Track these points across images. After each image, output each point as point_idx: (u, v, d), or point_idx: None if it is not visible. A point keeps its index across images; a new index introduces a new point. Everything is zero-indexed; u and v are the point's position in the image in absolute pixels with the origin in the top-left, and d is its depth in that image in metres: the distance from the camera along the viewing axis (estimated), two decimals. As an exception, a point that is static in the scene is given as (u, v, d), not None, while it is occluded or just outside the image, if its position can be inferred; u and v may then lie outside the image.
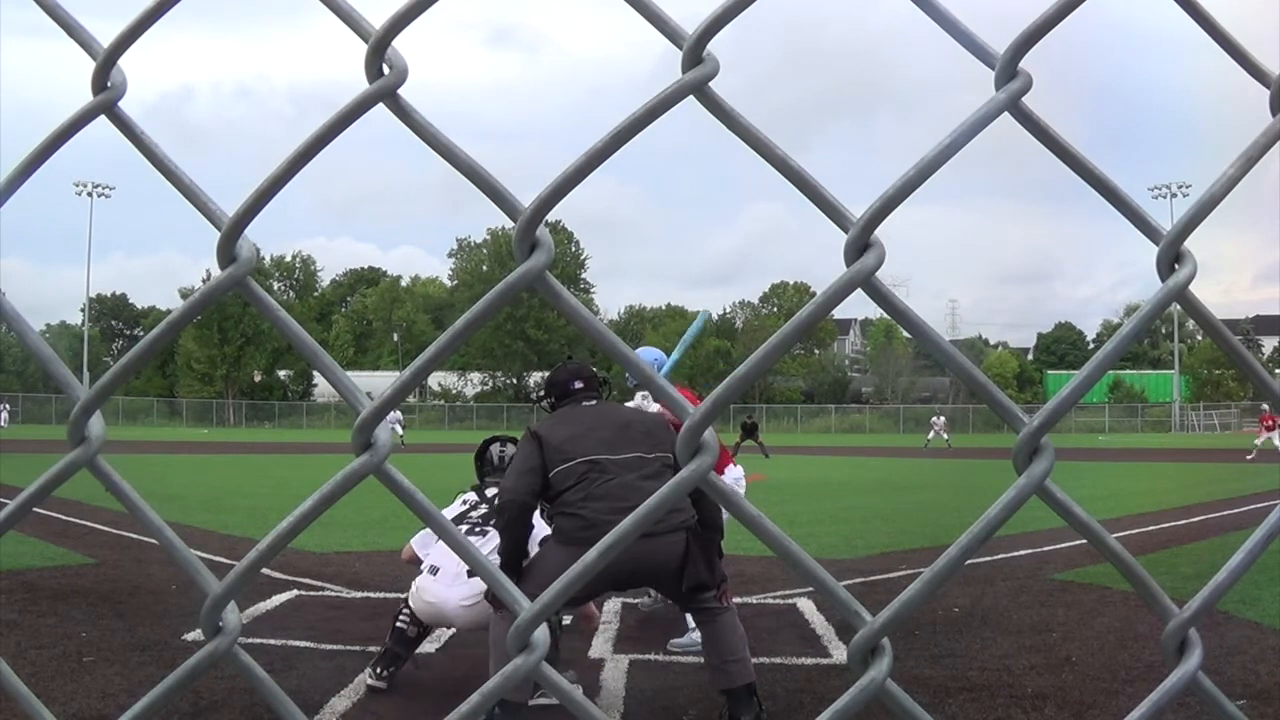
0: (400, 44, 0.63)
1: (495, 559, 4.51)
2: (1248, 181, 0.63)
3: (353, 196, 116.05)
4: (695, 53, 0.60)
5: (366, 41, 0.63)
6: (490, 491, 4.81)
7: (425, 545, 4.75)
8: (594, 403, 4.38)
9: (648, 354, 5.98)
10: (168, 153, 0.70)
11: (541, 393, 4.60)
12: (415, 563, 4.72)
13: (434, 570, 4.52)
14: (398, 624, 4.54)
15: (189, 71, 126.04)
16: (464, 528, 4.70)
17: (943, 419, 40.73)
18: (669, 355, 5.90)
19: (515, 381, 71.87)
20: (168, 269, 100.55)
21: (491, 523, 4.59)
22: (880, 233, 0.61)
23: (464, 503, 4.88)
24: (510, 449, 5.08)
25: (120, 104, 0.71)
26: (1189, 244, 0.63)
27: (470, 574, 4.48)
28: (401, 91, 0.63)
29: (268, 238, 73.57)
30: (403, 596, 4.67)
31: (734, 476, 5.76)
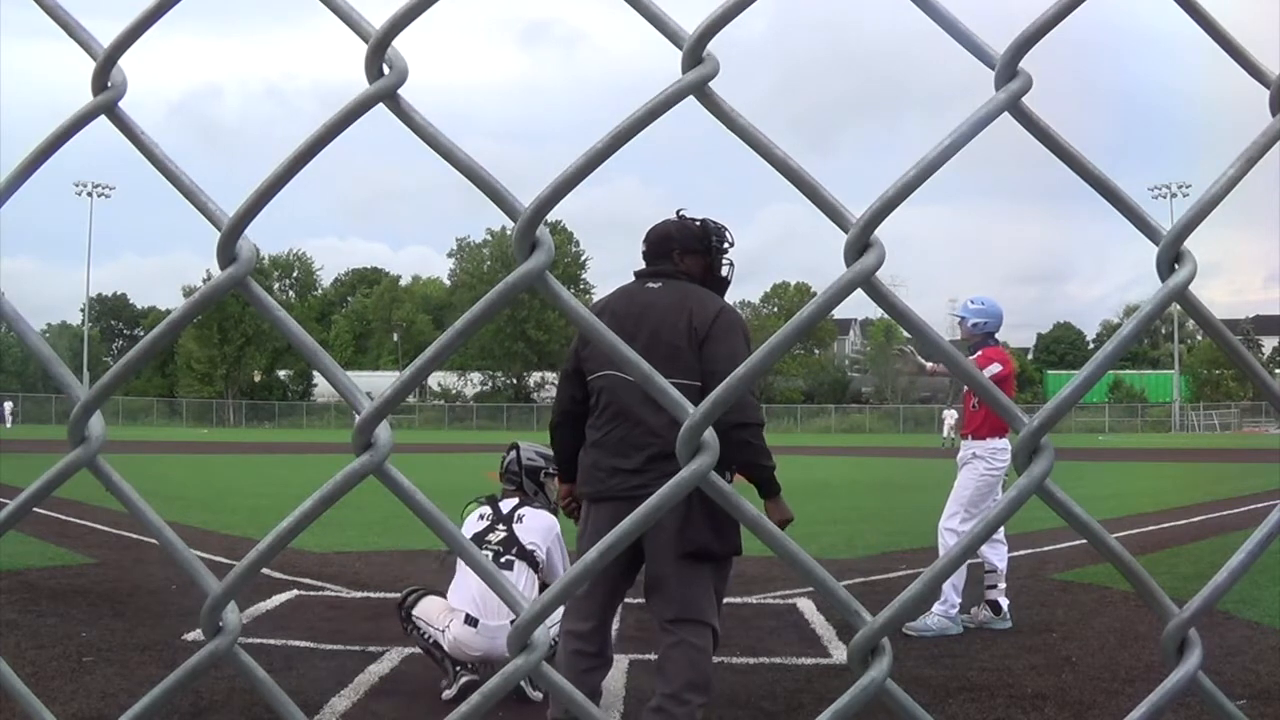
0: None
1: (530, 593, 4.22)
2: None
3: (365, 196, 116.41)
4: (695, 53, 0.60)
5: (366, 42, 0.63)
6: (505, 504, 4.56)
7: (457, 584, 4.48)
8: (659, 284, 3.43)
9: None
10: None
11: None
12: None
13: (471, 621, 4.26)
14: (436, 655, 4.40)
15: (216, 71, 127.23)
16: (485, 554, 4.47)
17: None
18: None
19: (515, 382, 71.84)
20: (180, 268, 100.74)
21: (514, 550, 4.38)
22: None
23: (480, 518, 4.55)
24: (527, 455, 4.77)
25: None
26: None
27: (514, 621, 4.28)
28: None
29: (278, 238, 73.69)
30: (401, 597, 4.62)
31: (1000, 446, 5.73)
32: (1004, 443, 5.77)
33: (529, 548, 4.40)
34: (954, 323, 6.11)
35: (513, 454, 4.84)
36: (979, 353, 5.90)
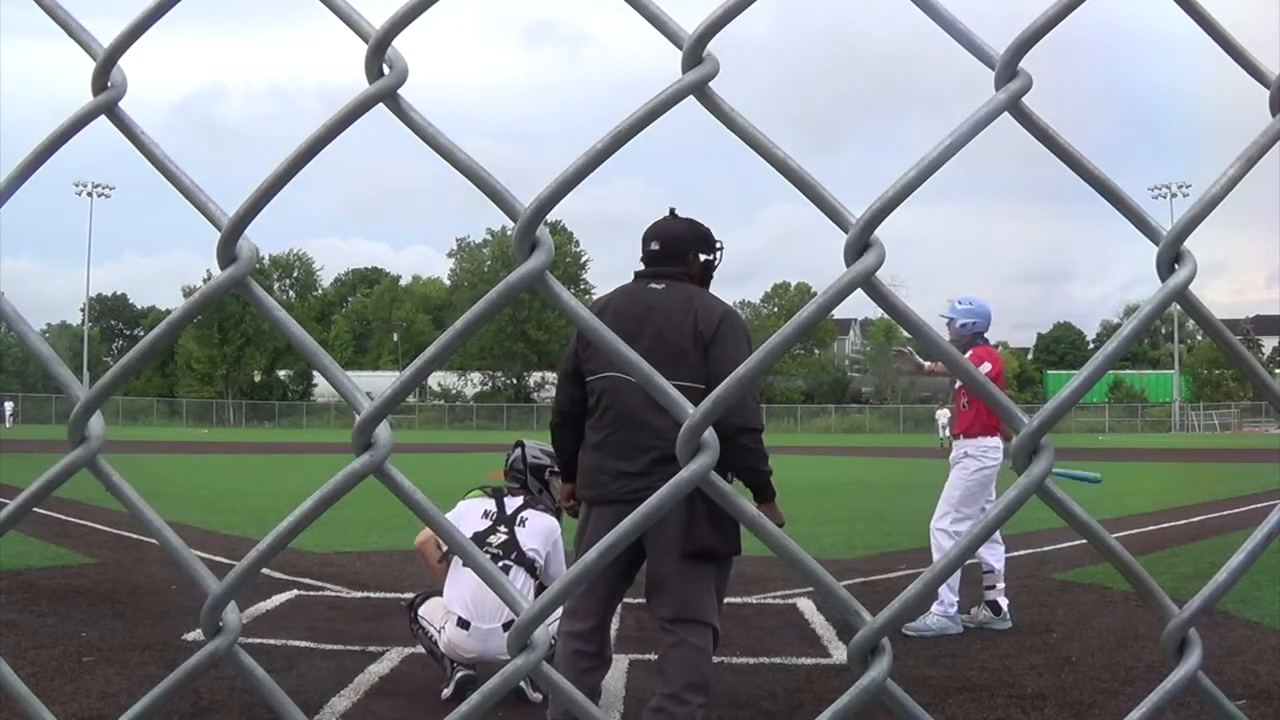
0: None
1: (529, 593, 4.22)
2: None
3: (367, 196, 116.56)
4: (695, 53, 0.60)
5: (366, 42, 0.63)
6: (509, 503, 4.55)
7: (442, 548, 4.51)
8: (662, 285, 3.38)
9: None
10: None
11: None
12: (432, 555, 4.58)
13: (463, 624, 4.25)
14: (437, 654, 4.40)
15: (220, 71, 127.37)
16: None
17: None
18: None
19: (515, 382, 71.87)
20: (180, 268, 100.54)
21: (512, 555, 4.36)
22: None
23: (485, 515, 4.52)
24: (532, 453, 4.80)
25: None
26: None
27: (507, 625, 4.13)
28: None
29: (279, 238, 73.69)
30: (402, 597, 4.61)
31: (992, 445, 5.77)
32: (995, 441, 5.80)
33: (528, 554, 4.39)
34: (942, 324, 6.11)
35: (518, 452, 4.85)
36: (969, 352, 5.91)
